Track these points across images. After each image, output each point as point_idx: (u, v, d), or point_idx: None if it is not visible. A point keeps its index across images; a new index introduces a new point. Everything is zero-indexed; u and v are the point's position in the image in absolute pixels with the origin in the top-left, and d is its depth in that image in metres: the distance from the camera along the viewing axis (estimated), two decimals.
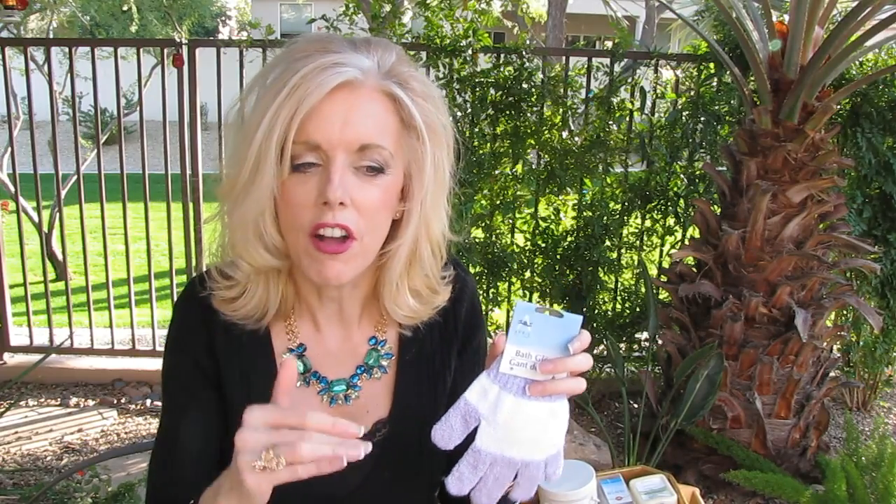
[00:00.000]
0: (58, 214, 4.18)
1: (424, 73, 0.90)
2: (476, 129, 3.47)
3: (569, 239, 3.55)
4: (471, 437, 0.81)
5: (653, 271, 3.58)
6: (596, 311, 3.59)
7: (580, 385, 0.80)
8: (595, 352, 3.60)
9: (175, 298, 1.01)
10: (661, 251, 3.73)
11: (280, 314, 0.96)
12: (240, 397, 0.95)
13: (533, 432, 0.79)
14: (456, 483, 0.80)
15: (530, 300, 3.71)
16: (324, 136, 0.81)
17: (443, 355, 1.03)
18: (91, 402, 3.57)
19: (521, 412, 0.79)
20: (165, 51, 3.59)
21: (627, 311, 3.64)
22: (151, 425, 3.39)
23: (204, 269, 0.97)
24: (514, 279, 3.65)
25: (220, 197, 0.90)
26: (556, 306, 3.66)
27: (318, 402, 0.97)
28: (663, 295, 3.40)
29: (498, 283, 3.62)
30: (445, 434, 0.80)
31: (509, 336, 0.80)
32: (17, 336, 3.91)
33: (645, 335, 3.64)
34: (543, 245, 3.58)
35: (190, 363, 0.97)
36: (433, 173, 0.88)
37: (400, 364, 1.00)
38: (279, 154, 0.82)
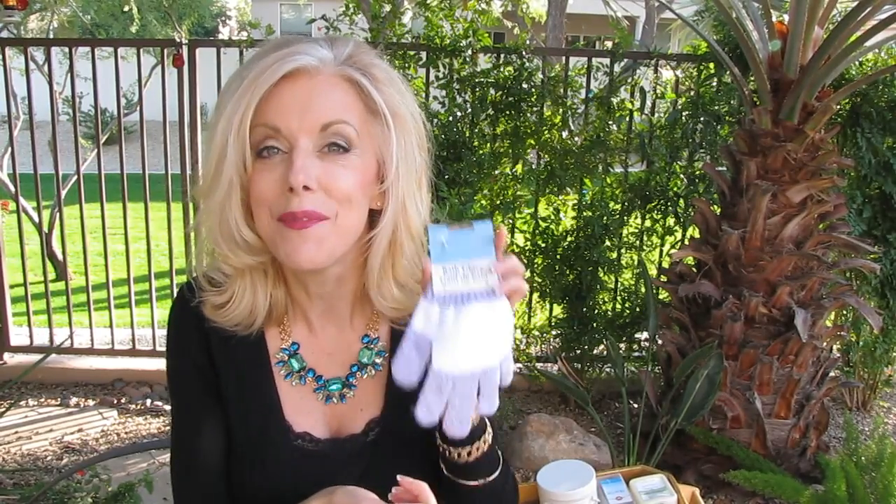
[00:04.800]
0: (58, 214, 4.19)
1: (386, 62, 0.90)
2: (476, 129, 3.47)
3: (569, 239, 3.55)
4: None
5: (653, 271, 3.58)
6: (596, 311, 3.59)
7: (525, 286, 0.83)
8: (595, 352, 3.61)
9: (175, 294, 1.01)
10: (661, 251, 3.73)
11: (274, 319, 0.97)
12: (235, 401, 0.96)
13: (480, 333, 0.80)
14: (424, 412, 0.79)
15: (530, 300, 3.72)
16: (284, 122, 0.83)
17: None
18: (91, 402, 3.57)
19: (464, 317, 0.80)
20: (165, 51, 3.59)
21: (627, 311, 3.65)
22: (152, 425, 3.39)
23: (192, 275, 0.98)
24: None
25: (197, 199, 0.91)
26: (557, 308, 3.66)
27: (313, 399, 0.97)
28: (663, 295, 3.40)
29: None
30: (403, 367, 0.80)
31: (431, 258, 0.81)
32: (18, 336, 3.91)
33: (645, 335, 3.64)
34: (543, 245, 3.58)
35: (192, 369, 0.97)
36: (404, 159, 0.88)
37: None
38: (242, 144, 0.83)
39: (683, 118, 3.50)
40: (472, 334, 0.80)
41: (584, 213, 3.54)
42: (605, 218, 3.43)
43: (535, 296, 3.69)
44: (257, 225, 0.87)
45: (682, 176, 3.56)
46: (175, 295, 1.00)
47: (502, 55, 3.45)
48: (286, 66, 0.82)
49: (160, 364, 3.81)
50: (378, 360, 0.99)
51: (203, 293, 0.94)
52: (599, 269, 3.51)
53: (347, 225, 0.87)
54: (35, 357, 3.70)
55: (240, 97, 0.83)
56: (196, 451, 0.97)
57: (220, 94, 0.88)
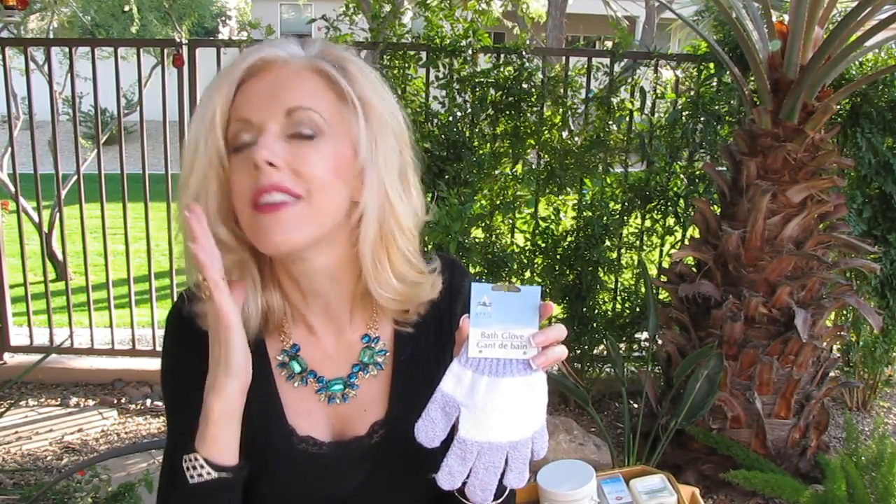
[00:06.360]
0: (58, 214, 4.19)
1: (360, 58, 0.92)
2: (476, 129, 3.47)
3: (569, 239, 3.55)
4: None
5: (653, 271, 3.58)
6: (596, 311, 3.59)
7: (564, 352, 0.81)
8: (595, 352, 3.60)
9: (175, 299, 1.00)
10: (661, 251, 3.73)
11: (274, 326, 0.96)
12: None
13: (514, 409, 0.78)
14: (446, 478, 0.78)
15: None
16: (253, 112, 0.84)
17: (439, 356, 1.02)
18: (91, 402, 3.57)
19: (498, 391, 0.77)
20: (165, 51, 3.59)
21: (627, 311, 3.64)
22: (152, 425, 3.39)
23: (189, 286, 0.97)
24: (514, 279, 3.65)
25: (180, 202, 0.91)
26: (557, 308, 3.66)
27: (315, 401, 0.97)
28: (663, 295, 3.40)
29: None
30: (428, 430, 0.78)
31: (471, 319, 0.79)
32: (18, 336, 3.91)
33: (645, 335, 3.64)
34: (543, 245, 3.58)
35: (189, 374, 0.96)
36: (376, 148, 0.88)
37: (396, 364, 0.99)
38: (214, 138, 0.85)
39: (683, 118, 3.50)
40: (504, 407, 0.77)
41: (584, 213, 3.53)
42: (605, 218, 3.43)
43: None
44: (240, 220, 0.87)
45: (682, 176, 3.56)
46: (175, 300, 1.00)
47: (502, 55, 3.44)
48: (251, 58, 0.85)
49: (160, 364, 3.81)
50: (380, 360, 0.99)
51: (194, 305, 0.93)
52: (599, 269, 3.51)
53: (322, 206, 0.86)
54: (35, 357, 3.70)
55: (208, 94, 0.86)
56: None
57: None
